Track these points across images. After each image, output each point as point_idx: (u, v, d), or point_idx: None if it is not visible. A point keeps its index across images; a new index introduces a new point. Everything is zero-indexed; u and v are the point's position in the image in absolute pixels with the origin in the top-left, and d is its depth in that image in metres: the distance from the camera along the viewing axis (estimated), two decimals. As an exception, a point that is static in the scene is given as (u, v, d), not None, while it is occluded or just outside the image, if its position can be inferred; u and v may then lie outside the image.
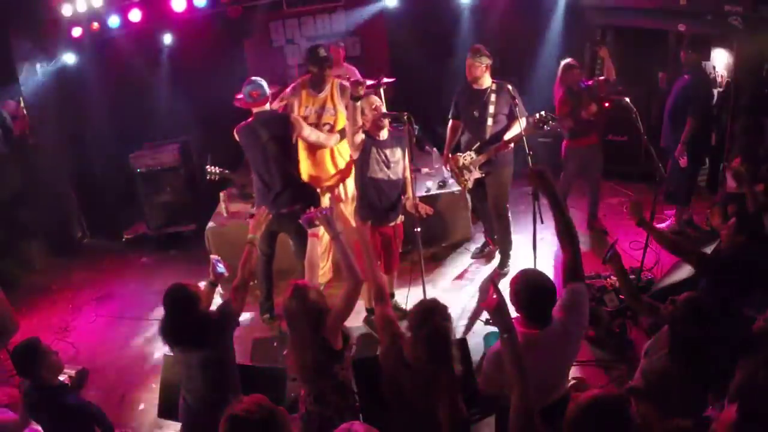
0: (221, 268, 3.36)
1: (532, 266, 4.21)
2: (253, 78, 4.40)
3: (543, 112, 4.63)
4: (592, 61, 6.25)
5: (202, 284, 3.39)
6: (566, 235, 2.73)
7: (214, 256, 3.43)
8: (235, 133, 4.42)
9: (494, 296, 2.14)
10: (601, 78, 5.40)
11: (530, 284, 2.56)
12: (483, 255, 5.71)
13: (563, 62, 5.52)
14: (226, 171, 5.20)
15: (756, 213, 3.70)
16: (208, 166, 5.16)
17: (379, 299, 2.70)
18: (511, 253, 5.33)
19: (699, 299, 2.62)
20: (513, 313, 2.30)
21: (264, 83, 4.39)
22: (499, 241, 5.35)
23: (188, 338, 2.95)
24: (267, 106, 4.43)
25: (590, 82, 5.48)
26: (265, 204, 4.31)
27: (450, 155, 5.21)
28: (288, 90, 4.94)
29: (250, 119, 4.41)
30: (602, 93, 5.35)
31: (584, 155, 5.58)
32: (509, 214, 5.23)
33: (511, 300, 2.58)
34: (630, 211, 3.55)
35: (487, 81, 4.86)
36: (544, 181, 2.81)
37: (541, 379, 2.34)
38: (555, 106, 5.56)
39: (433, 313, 2.41)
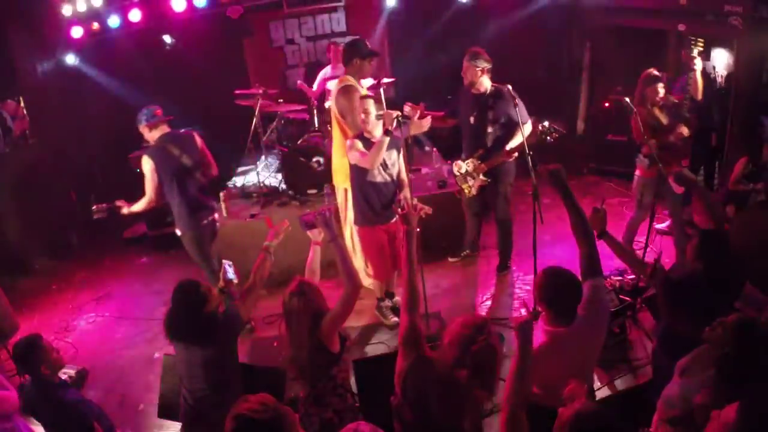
0: (231, 273, 3.32)
1: (532, 267, 4.21)
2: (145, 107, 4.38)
3: (546, 123, 4.42)
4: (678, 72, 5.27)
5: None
6: (581, 230, 2.78)
7: (226, 261, 3.41)
8: (143, 161, 4.33)
9: (524, 314, 2.25)
10: (688, 95, 4.77)
11: (558, 281, 2.57)
12: (463, 258, 5.63)
13: (645, 73, 4.72)
14: (115, 203, 4.55)
15: (720, 232, 3.30)
16: (94, 206, 4.56)
17: (411, 308, 2.57)
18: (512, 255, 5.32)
19: (750, 322, 2.55)
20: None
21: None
22: (500, 245, 5.30)
23: (192, 334, 2.94)
24: (166, 127, 4.43)
25: (680, 98, 4.79)
26: (187, 224, 4.52)
27: (452, 161, 5.01)
28: (335, 93, 4.58)
29: (152, 144, 4.41)
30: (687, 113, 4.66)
31: (660, 185, 4.65)
32: (512, 219, 5.17)
33: (537, 296, 2.60)
34: (590, 220, 2.94)
35: (485, 85, 4.71)
36: (559, 178, 2.86)
37: (570, 375, 2.34)
38: (632, 127, 4.73)
39: (483, 329, 2.32)
